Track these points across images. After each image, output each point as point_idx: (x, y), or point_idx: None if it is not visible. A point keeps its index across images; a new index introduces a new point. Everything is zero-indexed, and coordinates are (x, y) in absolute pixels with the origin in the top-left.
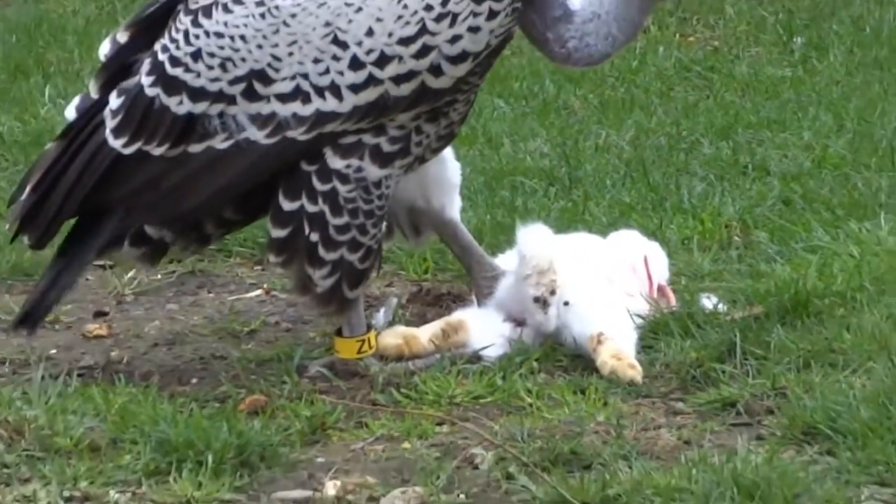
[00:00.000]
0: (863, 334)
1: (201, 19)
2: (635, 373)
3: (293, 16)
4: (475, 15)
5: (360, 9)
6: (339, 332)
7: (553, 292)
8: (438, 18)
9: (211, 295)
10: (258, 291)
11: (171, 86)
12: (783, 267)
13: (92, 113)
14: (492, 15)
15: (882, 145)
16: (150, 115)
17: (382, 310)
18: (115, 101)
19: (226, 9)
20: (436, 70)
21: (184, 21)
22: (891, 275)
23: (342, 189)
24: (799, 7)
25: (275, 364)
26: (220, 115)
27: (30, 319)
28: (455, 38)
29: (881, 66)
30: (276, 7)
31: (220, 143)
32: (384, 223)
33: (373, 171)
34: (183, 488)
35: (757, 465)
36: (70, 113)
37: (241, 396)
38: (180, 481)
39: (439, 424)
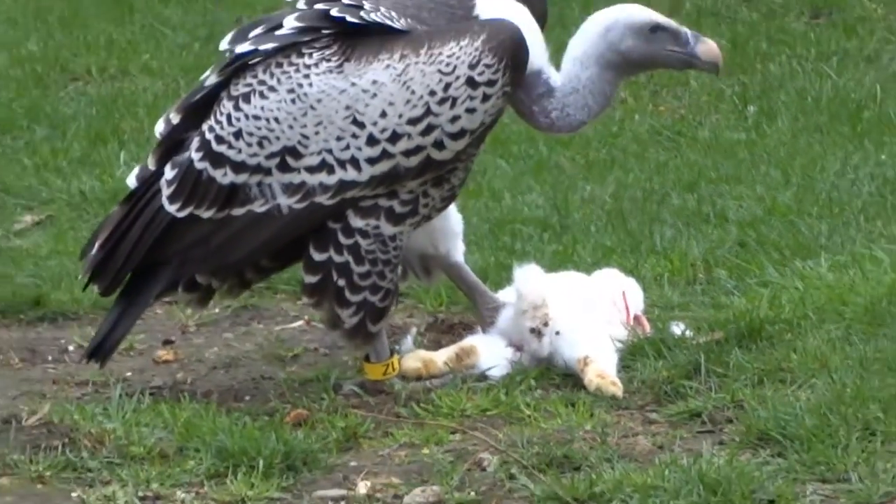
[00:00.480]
0: (807, 355)
1: (241, 104)
2: (617, 389)
3: (319, 101)
4: (471, 98)
5: (375, 94)
6: (366, 359)
7: (546, 324)
8: (441, 102)
9: (260, 325)
10: (300, 322)
11: (217, 160)
12: (740, 299)
13: (150, 182)
14: (485, 98)
15: (822, 196)
16: (200, 184)
17: (408, 337)
18: (169, 172)
19: (262, 95)
20: (439, 145)
21: (226, 105)
22: (830, 305)
23: (363, 243)
24: (752, 80)
25: (315, 384)
26: (259, 184)
27: (99, 353)
28: (455, 118)
29: (821, 131)
30: (305, 94)
31: (258, 207)
32: (399, 269)
33: (387, 229)
34: (238, 489)
35: (719, 465)
36: (131, 181)
37: (287, 411)
38: (236, 483)
39: (453, 433)
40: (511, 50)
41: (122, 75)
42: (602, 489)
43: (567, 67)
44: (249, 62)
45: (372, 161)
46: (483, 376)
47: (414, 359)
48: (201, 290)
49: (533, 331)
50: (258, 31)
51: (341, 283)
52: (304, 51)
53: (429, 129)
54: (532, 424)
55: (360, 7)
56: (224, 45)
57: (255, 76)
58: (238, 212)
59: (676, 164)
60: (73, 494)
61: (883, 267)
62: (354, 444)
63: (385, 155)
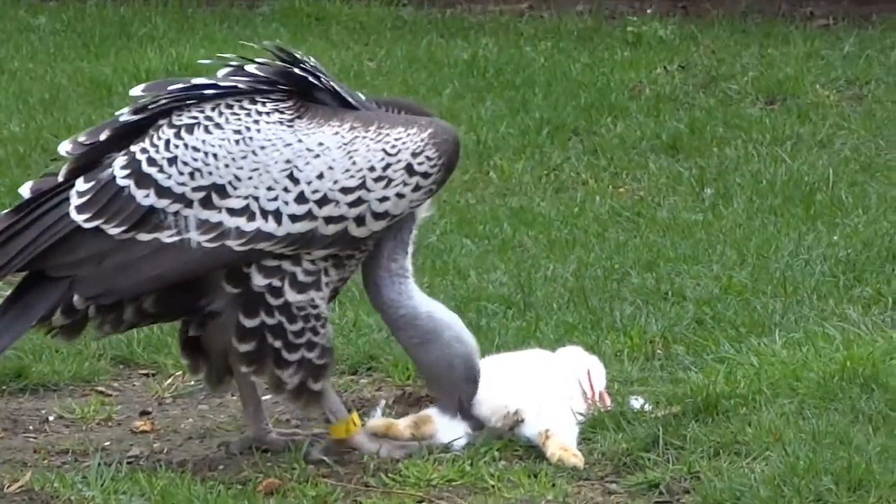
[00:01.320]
0: (761, 429)
1: (183, 133)
2: (578, 460)
3: (262, 147)
4: (405, 184)
5: (318, 155)
6: (327, 421)
7: (512, 428)
8: (377, 180)
9: (234, 397)
10: (270, 395)
11: (143, 181)
12: (697, 374)
13: (54, 191)
14: (417, 188)
15: (776, 276)
16: (117, 200)
17: (377, 409)
18: (83, 184)
19: (206, 130)
20: (360, 220)
21: (166, 132)
22: (784, 381)
23: (294, 299)
24: (709, 164)
25: (286, 454)
26: (176, 213)
27: None
28: (384, 199)
29: (775, 212)
30: (250, 138)
31: (166, 237)
32: (330, 329)
33: (291, 295)
34: None
35: None
36: (25, 192)
37: (259, 480)
38: None
39: (419, 502)
40: (450, 152)
41: None
42: None
43: (422, 295)
44: (204, 94)
45: (294, 218)
46: (446, 447)
47: (378, 421)
48: (76, 315)
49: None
50: (179, 84)
51: (277, 344)
52: (259, 99)
53: (357, 203)
54: (496, 494)
55: (320, 75)
56: (136, 91)
57: (201, 111)
58: (144, 237)
59: (636, 243)
60: None
61: (835, 344)
62: None
63: (308, 216)
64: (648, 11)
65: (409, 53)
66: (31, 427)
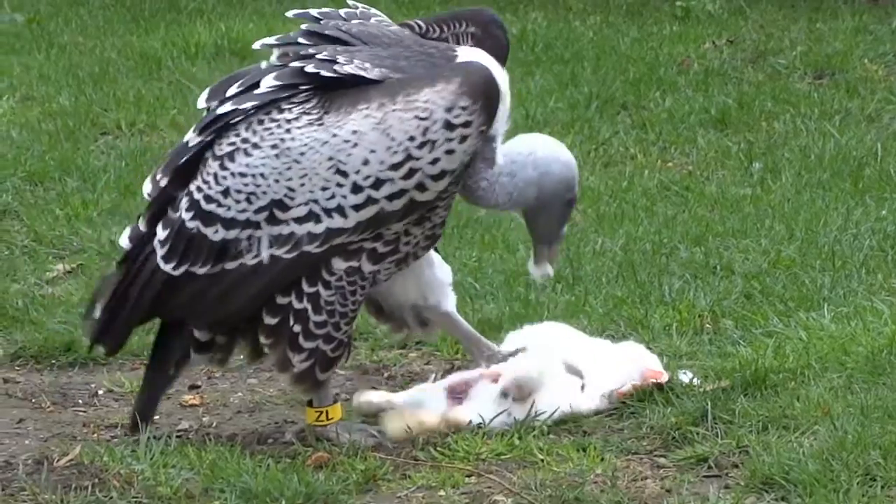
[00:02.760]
0: (810, 403)
1: (227, 163)
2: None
3: (302, 154)
4: (449, 140)
5: (356, 144)
6: (309, 403)
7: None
8: (420, 146)
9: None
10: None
11: (207, 218)
12: (745, 349)
13: (143, 242)
14: (463, 139)
15: (825, 250)
16: (192, 242)
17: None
18: (161, 232)
19: (246, 153)
20: (421, 187)
21: (212, 165)
22: (832, 355)
23: (324, 293)
24: (757, 138)
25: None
26: (249, 238)
27: (138, 425)
28: (435, 161)
29: (823, 187)
30: (288, 148)
31: (250, 260)
32: (354, 324)
33: (367, 267)
34: None
35: None
36: (124, 242)
37: (308, 453)
38: None
39: (468, 476)
40: (484, 92)
41: (150, 130)
42: None
43: (514, 153)
44: (230, 122)
45: (357, 208)
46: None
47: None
48: (212, 349)
49: (504, 394)
50: (234, 88)
51: (297, 328)
52: (284, 107)
53: (410, 173)
54: (545, 468)
55: (334, 61)
56: (202, 102)
57: (237, 135)
58: (231, 265)
59: (684, 218)
60: None
61: (884, 318)
62: (374, 487)
63: (370, 201)
64: None
65: None
66: (80, 401)
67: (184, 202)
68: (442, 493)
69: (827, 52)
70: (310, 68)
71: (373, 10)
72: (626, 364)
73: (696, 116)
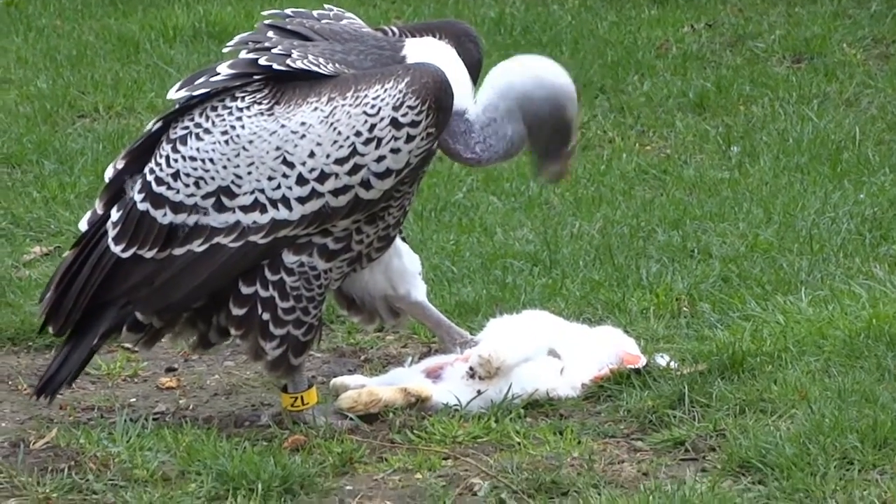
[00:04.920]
0: (787, 386)
1: (179, 146)
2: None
3: (251, 142)
4: (395, 139)
5: (303, 136)
6: (284, 388)
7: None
8: (366, 143)
9: None
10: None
11: (157, 201)
12: (723, 332)
13: (98, 225)
14: (409, 139)
15: (802, 234)
16: (142, 225)
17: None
18: (115, 214)
19: (198, 137)
20: (366, 184)
21: (165, 148)
22: (810, 338)
23: (289, 280)
24: (735, 122)
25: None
26: (196, 223)
27: (47, 390)
28: (380, 158)
29: (802, 170)
30: (237, 135)
31: (197, 246)
32: (323, 306)
33: (320, 264)
34: None
35: (702, 492)
36: (83, 225)
37: (285, 436)
38: None
39: (445, 459)
40: (434, 92)
41: (128, 113)
42: None
43: (486, 96)
44: (185, 107)
45: (302, 200)
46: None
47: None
48: (145, 330)
49: (471, 374)
50: (201, 79)
51: (266, 316)
52: (237, 94)
53: (355, 169)
54: (521, 451)
55: (288, 55)
56: (172, 94)
57: (191, 119)
58: (178, 251)
59: (662, 201)
60: None
61: (861, 302)
62: (350, 469)
63: (314, 194)
64: None
65: (437, 11)
66: None
67: (137, 184)
68: (419, 475)
69: (805, 35)
70: (263, 61)
71: (347, 14)
72: (604, 348)
73: (674, 100)
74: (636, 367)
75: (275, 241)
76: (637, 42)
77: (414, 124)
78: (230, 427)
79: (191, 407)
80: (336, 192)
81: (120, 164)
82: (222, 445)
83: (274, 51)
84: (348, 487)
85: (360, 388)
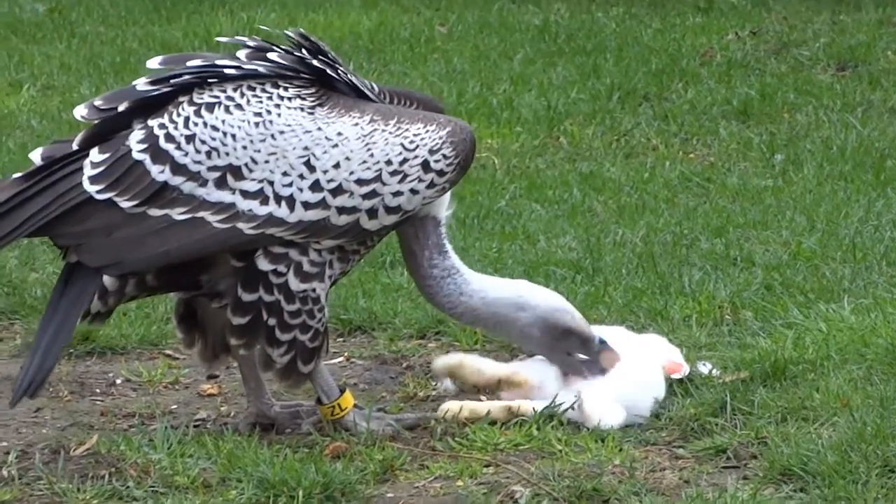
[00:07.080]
0: (829, 394)
1: (203, 112)
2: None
3: (281, 132)
4: (420, 180)
5: (336, 145)
6: (318, 401)
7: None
8: (393, 174)
9: None
10: (340, 358)
11: (159, 156)
12: (765, 340)
13: (67, 159)
14: (431, 185)
15: (846, 242)
16: (131, 173)
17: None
18: (97, 154)
19: (227, 110)
20: (372, 213)
21: (187, 109)
22: (852, 346)
23: (293, 283)
24: (779, 130)
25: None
26: (189, 191)
27: (32, 386)
28: (397, 193)
29: (845, 179)
30: (270, 121)
31: (178, 214)
32: (328, 309)
33: (294, 283)
34: None
35: (743, 500)
36: (36, 158)
37: (326, 443)
38: None
39: (486, 466)
40: (467, 152)
41: None
42: None
43: (477, 280)
44: (225, 73)
45: (307, 206)
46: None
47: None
48: (110, 299)
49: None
50: (198, 61)
51: (272, 322)
52: (282, 84)
53: (371, 195)
54: (563, 458)
55: (338, 67)
56: (154, 63)
57: (223, 91)
58: (155, 212)
59: (705, 209)
60: None
61: None
62: (391, 477)
63: (321, 204)
64: None
65: (481, 18)
66: (98, 390)
67: (137, 134)
68: (460, 483)
69: (850, 43)
70: (316, 63)
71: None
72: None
73: (718, 108)
74: (679, 375)
75: (261, 237)
76: (681, 49)
77: (441, 173)
78: (271, 434)
79: (232, 414)
80: (342, 211)
81: (115, 107)
82: (263, 452)
83: (326, 57)
84: (389, 495)
85: (476, 370)
